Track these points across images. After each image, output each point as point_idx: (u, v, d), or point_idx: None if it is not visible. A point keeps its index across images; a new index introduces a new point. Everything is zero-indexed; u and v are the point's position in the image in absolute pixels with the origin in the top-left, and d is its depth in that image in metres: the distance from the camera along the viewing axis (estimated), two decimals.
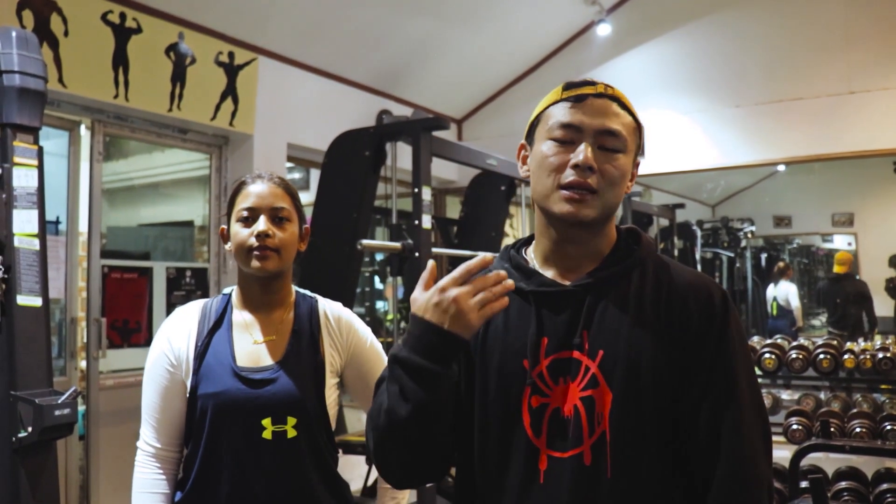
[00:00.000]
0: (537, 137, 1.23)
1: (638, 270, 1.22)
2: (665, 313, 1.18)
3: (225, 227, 1.75)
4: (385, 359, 1.80)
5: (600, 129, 1.17)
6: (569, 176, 1.16)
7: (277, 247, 1.66)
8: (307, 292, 1.81)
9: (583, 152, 1.15)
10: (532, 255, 1.29)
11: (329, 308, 1.78)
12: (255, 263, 1.65)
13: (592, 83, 1.20)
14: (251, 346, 1.69)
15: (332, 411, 1.72)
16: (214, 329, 1.70)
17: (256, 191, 1.69)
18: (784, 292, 8.26)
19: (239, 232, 1.67)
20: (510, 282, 1.11)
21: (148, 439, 1.69)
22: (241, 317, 1.72)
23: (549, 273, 1.24)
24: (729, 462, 1.13)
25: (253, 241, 1.65)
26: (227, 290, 1.79)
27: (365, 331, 1.80)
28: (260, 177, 1.72)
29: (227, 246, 1.73)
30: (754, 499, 1.13)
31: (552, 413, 1.17)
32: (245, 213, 1.67)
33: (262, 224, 1.65)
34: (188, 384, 1.66)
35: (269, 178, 1.72)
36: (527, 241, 1.33)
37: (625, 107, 1.21)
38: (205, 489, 1.63)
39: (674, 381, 1.15)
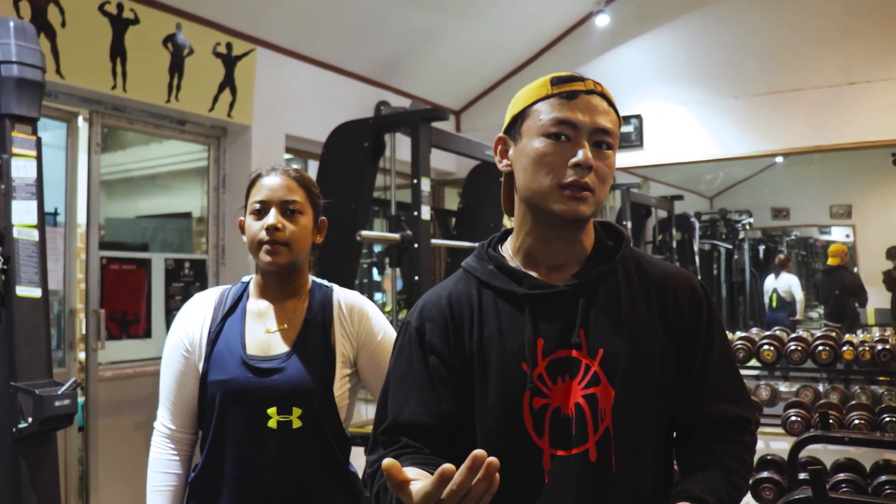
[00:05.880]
0: (525, 132, 1.21)
1: (621, 266, 1.25)
2: (658, 308, 1.22)
3: (242, 219, 1.76)
4: None
5: (595, 127, 1.17)
6: (570, 175, 1.16)
7: (287, 240, 1.67)
8: (324, 282, 1.82)
9: (583, 152, 1.16)
10: (510, 253, 1.28)
11: (343, 297, 1.78)
12: (264, 258, 1.67)
13: (581, 79, 1.20)
14: (263, 334, 1.70)
15: (343, 403, 1.72)
16: (228, 315, 1.72)
17: (269, 184, 1.70)
18: (786, 284, 8.25)
19: (251, 225, 1.69)
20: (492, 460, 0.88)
21: (164, 421, 1.74)
22: (255, 305, 1.75)
23: (533, 272, 1.24)
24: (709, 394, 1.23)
25: (263, 235, 1.66)
26: (245, 279, 1.82)
27: (378, 320, 1.79)
28: (274, 169, 1.74)
29: (245, 238, 1.75)
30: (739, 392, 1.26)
31: (553, 413, 1.18)
32: (257, 206, 1.69)
33: (271, 217, 1.67)
34: (200, 369, 1.69)
35: (282, 171, 1.73)
36: (501, 238, 1.33)
37: (610, 104, 1.22)
38: (213, 472, 1.67)
39: (671, 372, 1.20)
